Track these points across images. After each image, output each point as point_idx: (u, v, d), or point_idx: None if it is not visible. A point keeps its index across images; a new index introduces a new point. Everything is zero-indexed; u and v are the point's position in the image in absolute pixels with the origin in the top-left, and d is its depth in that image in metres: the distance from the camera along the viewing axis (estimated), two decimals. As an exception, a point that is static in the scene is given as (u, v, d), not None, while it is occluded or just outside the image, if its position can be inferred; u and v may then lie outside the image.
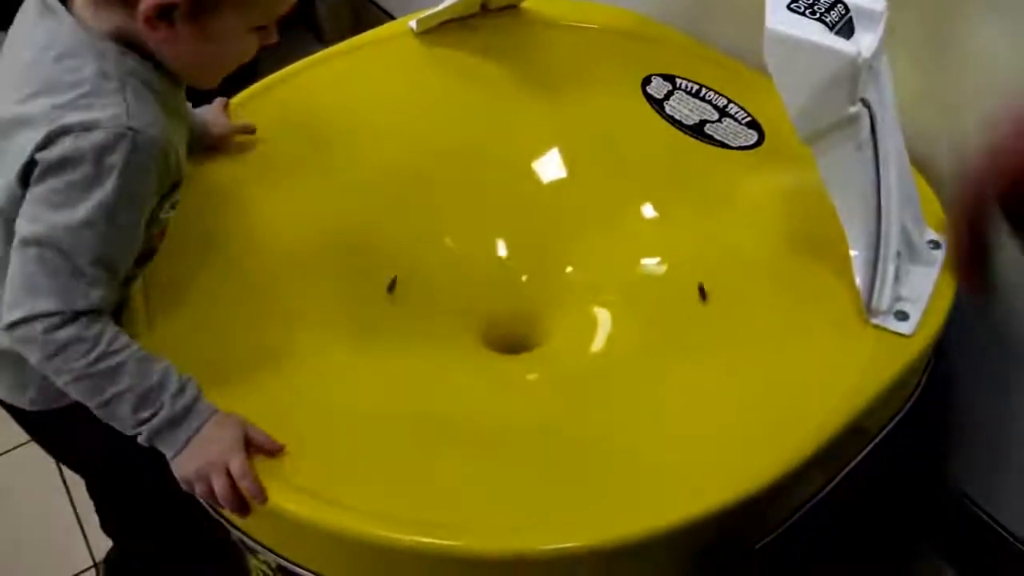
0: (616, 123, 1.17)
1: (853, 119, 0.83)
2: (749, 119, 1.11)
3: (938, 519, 1.25)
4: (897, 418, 0.92)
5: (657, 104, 1.16)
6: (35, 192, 0.74)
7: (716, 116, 1.13)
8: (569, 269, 1.16)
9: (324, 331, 0.96)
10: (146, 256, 0.87)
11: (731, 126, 1.12)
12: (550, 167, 1.19)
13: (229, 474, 0.75)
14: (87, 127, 0.73)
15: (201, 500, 0.79)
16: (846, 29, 0.83)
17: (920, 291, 0.89)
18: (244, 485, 0.75)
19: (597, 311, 1.08)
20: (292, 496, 0.76)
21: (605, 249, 1.13)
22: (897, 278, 0.87)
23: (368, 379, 0.91)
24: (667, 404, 0.85)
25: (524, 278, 1.18)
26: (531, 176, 1.19)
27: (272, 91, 1.19)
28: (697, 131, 1.13)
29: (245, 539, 0.85)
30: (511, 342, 1.12)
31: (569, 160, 1.18)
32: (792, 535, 0.84)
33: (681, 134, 1.13)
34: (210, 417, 0.77)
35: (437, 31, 1.23)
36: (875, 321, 0.87)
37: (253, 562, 0.98)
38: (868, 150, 0.85)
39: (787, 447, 0.77)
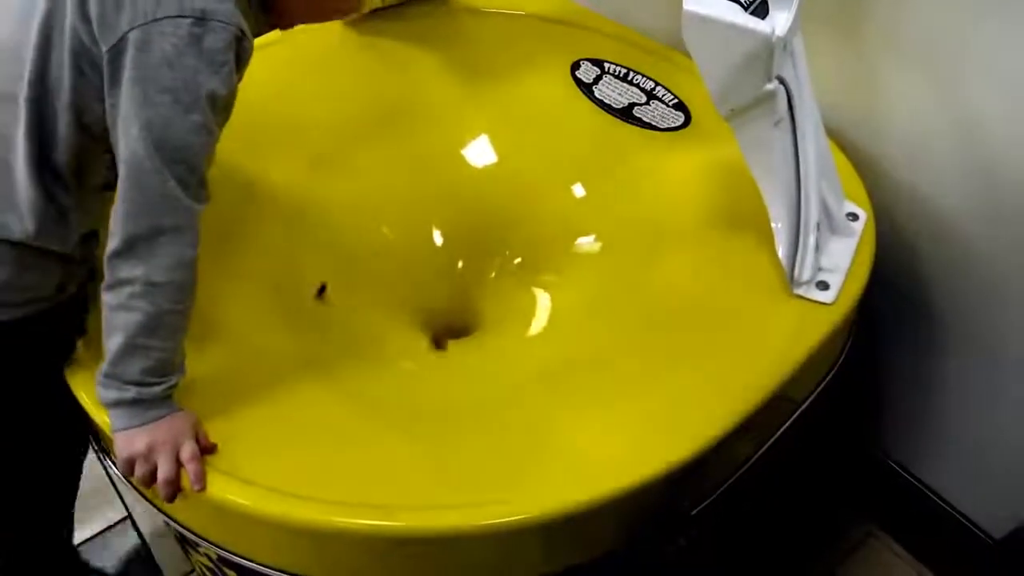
0: (546, 108, 1.19)
1: (770, 96, 0.85)
2: (676, 101, 1.14)
3: (867, 484, 1.29)
4: (822, 385, 0.95)
5: (586, 88, 1.18)
6: None
7: (644, 99, 1.15)
8: (507, 252, 1.17)
9: (262, 322, 0.96)
10: None
11: (659, 108, 1.14)
12: (482, 154, 1.20)
13: (177, 458, 0.76)
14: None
15: (133, 482, 0.79)
16: (761, 9, 0.85)
17: (840, 261, 0.93)
18: (191, 468, 0.76)
19: (534, 292, 1.10)
20: (234, 487, 0.76)
21: (539, 231, 1.14)
22: (818, 249, 0.90)
23: (307, 370, 0.91)
24: (600, 381, 0.87)
25: (460, 264, 1.19)
26: (464, 163, 1.20)
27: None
28: (626, 114, 1.15)
29: (186, 533, 0.85)
30: (450, 328, 1.14)
31: (500, 146, 1.19)
32: (726, 501, 0.87)
33: (610, 117, 1.15)
34: (178, 410, 0.79)
35: (365, 18, 1.23)
36: (797, 292, 0.90)
37: (195, 557, 0.98)
38: (786, 126, 0.88)
39: (715, 416, 0.79)
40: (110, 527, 1.35)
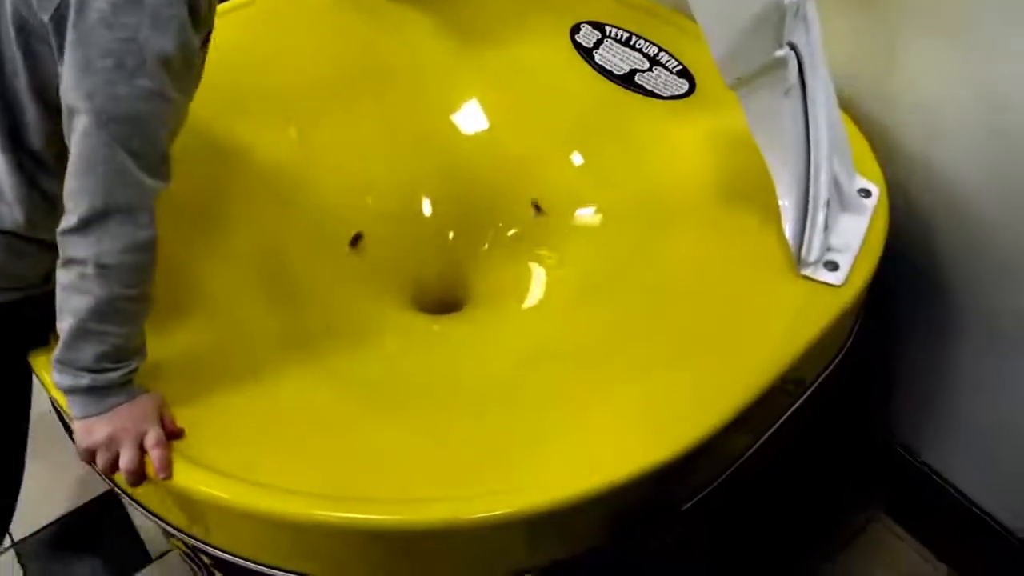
0: (544, 74, 1.13)
1: (780, 63, 0.80)
2: (680, 68, 1.08)
3: (872, 467, 1.25)
4: (828, 370, 0.90)
5: (586, 53, 1.12)
6: None
7: (647, 65, 1.09)
8: (500, 224, 1.12)
9: (240, 299, 0.91)
10: None
11: (662, 75, 1.08)
12: (475, 120, 1.15)
13: (141, 444, 0.72)
14: None
15: (98, 470, 0.75)
16: (772, -32, 0.79)
17: (850, 240, 0.87)
18: (156, 454, 0.71)
19: (529, 267, 1.05)
20: (202, 476, 0.71)
21: (533, 202, 1.09)
22: (827, 227, 0.85)
23: (287, 349, 0.87)
24: (598, 363, 0.82)
25: (451, 235, 1.14)
26: (456, 129, 1.14)
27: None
28: (627, 81, 1.09)
29: (161, 523, 0.81)
30: (441, 302, 1.09)
31: (495, 112, 1.14)
32: (721, 494, 0.82)
33: (611, 84, 1.09)
34: (140, 394, 0.74)
35: (357, -22, 1.17)
36: (805, 272, 0.85)
37: (172, 540, 0.94)
38: (796, 96, 0.82)
39: (708, 411, 0.74)
40: (93, 499, 1.32)
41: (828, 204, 0.85)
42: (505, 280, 1.03)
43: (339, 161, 1.09)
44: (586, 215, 1.03)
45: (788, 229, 0.85)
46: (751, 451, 0.84)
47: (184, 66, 0.70)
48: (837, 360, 0.91)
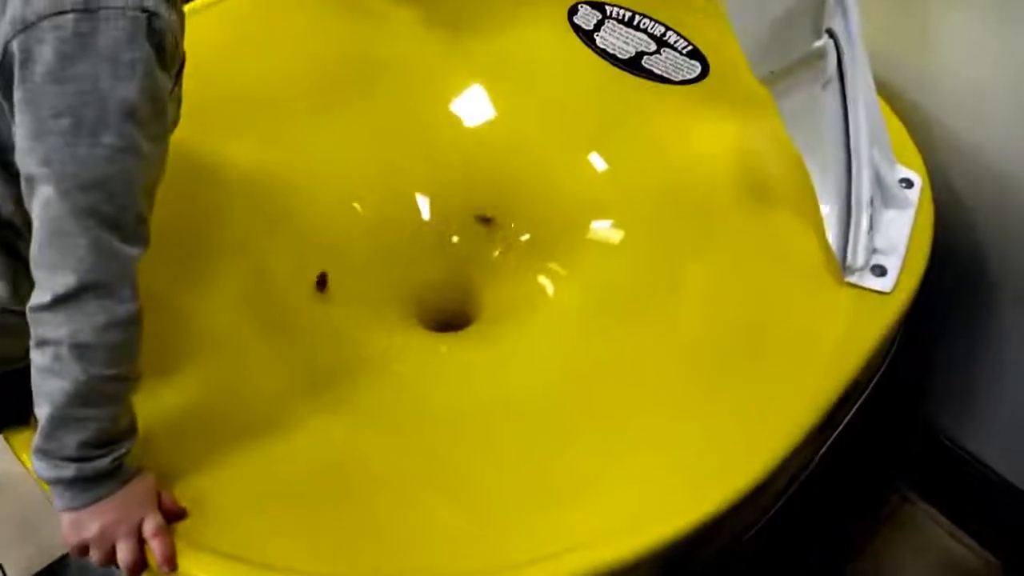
0: (541, 59, 1.04)
1: (819, 54, 0.72)
2: (690, 48, 0.99)
3: (911, 452, 1.20)
4: (878, 374, 0.84)
5: (586, 36, 1.03)
6: None
7: (653, 47, 1.01)
8: (512, 225, 1.04)
9: (232, 339, 0.83)
10: None
11: (671, 57, 1.00)
12: (472, 111, 1.05)
13: (139, 534, 0.64)
14: None
15: (93, 565, 0.67)
16: (807, -52, 0.71)
17: (896, 239, 0.80)
18: (156, 545, 0.64)
19: (541, 276, 0.97)
20: (210, 563, 0.64)
21: (545, 204, 1.01)
22: (871, 228, 0.78)
23: (291, 395, 0.79)
24: (632, 394, 0.76)
25: (455, 240, 1.06)
26: (450, 123, 1.05)
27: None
28: (634, 65, 1.00)
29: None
30: (448, 316, 1.01)
31: (490, 105, 1.05)
32: (755, 538, 0.76)
33: (616, 69, 1.01)
34: (132, 477, 0.66)
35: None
36: (850, 280, 0.78)
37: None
38: (835, 88, 0.74)
39: (766, 444, 0.68)
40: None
41: (872, 203, 0.78)
42: (519, 294, 0.95)
43: (328, 167, 0.99)
44: (602, 224, 0.95)
45: (831, 235, 0.77)
46: (802, 476, 0.78)
47: (154, 113, 0.61)
48: (885, 363, 0.85)
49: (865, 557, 1.20)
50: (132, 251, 0.60)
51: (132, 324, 0.61)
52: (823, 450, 0.83)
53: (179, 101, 0.69)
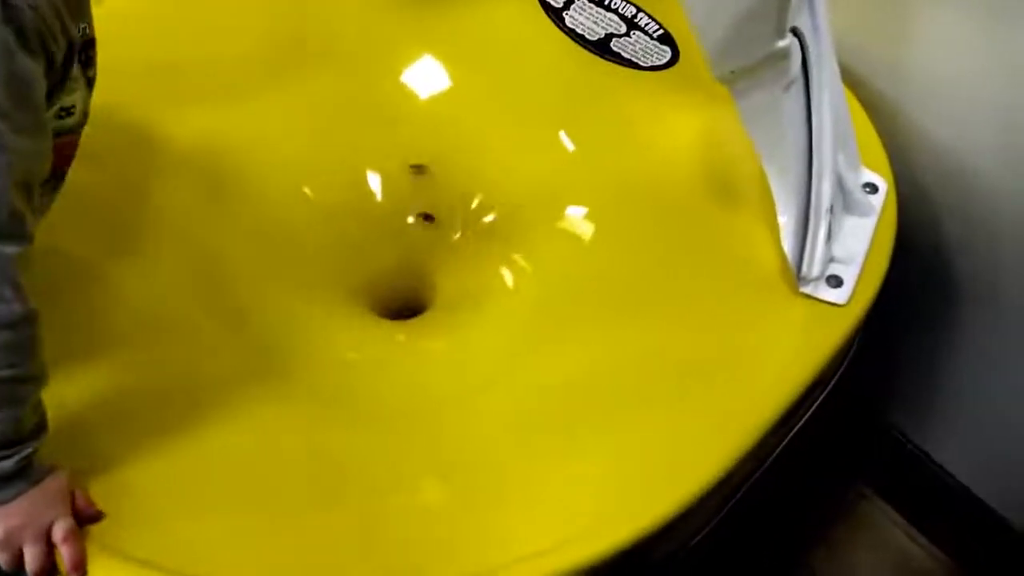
0: (506, 37, 1.00)
1: (782, 54, 0.68)
2: (661, 32, 0.95)
3: (871, 451, 1.19)
4: (832, 383, 0.82)
5: (555, 15, 0.99)
6: None
7: (623, 29, 0.96)
8: (475, 202, 1.00)
9: (166, 328, 0.80)
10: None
11: (641, 41, 0.96)
12: (427, 81, 1.01)
13: (48, 538, 0.62)
14: None
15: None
16: (773, -59, 0.67)
17: (855, 249, 0.78)
18: (65, 551, 0.61)
19: (500, 273, 0.94)
20: (125, 570, 0.61)
21: (505, 183, 0.97)
22: (829, 237, 0.75)
23: (232, 382, 0.76)
24: (585, 400, 0.73)
25: (410, 219, 1.02)
26: (405, 97, 1.00)
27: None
28: (602, 47, 0.96)
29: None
30: (400, 304, 0.98)
31: (451, 77, 1.00)
32: (699, 546, 0.75)
33: (584, 51, 0.97)
34: (44, 476, 0.63)
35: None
36: (805, 290, 0.75)
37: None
38: (799, 90, 0.71)
39: (711, 456, 0.66)
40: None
41: (831, 211, 0.75)
42: (477, 283, 0.92)
43: (274, 144, 0.95)
44: (567, 215, 0.91)
45: (786, 243, 0.74)
46: (754, 478, 0.76)
47: (20, 102, 0.56)
48: (844, 366, 0.83)
49: (821, 553, 1.20)
50: (7, 249, 0.57)
51: (21, 324, 0.58)
52: (776, 453, 0.82)
53: (89, 87, 0.65)
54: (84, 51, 0.64)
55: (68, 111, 0.64)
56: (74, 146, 0.68)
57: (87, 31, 0.64)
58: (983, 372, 1.00)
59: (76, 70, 0.63)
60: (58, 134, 0.63)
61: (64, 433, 0.66)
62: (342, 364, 0.87)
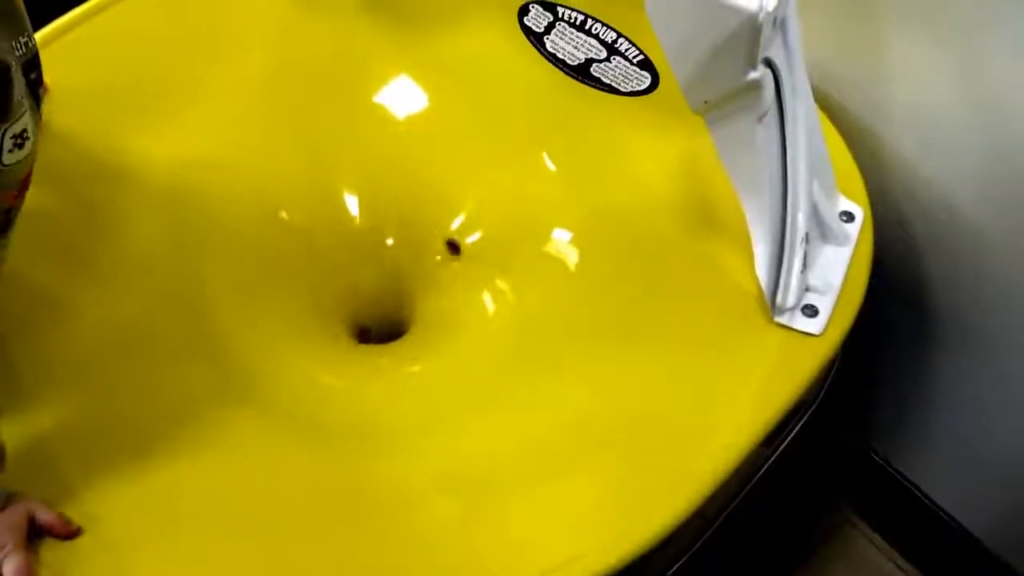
0: (487, 61, 1.00)
1: (755, 85, 0.68)
2: (641, 58, 0.95)
3: (850, 475, 1.19)
4: (808, 413, 0.82)
5: (536, 39, 0.99)
6: None
7: (604, 54, 0.96)
8: (456, 223, 0.99)
9: (137, 351, 0.80)
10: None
11: (621, 66, 0.96)
12: (407, 101, 1.00)
13: None
14: None
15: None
16: (746, -27, 0.67)
17: (832, 277, 0.77)
18: None
19: (481, 298, 0.93)
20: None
21: (485, 206, 0.97)
22: (805, 267, 0.75)
23: (200, 412, 0.76)
24: (556, 432, 0.73)
25: (390, 241, 1.02)
26: (384, 118, 1.00)
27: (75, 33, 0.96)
28: (582, 72, 0.96)
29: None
30: (380, 327, 0.98)
31: (430, 99, 1.00)
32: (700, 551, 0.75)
33: (564, 76, 0.97)
34: (3, 506, 0.62)
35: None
36: (779, 320, 0.75)
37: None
38: (772, 121, 0.71)
39: (688, 483, 0.66)
40: None
41: (807, 240, 0.75)
42: (457, 306, 0.92)
43: (250, 167, 0.95)
44: (549, 238, 0.90)
45: (761, 272, 0.74)
46: (732, 506, 0.76)
47: None
48: (819, 399, 0.83)
49: (801, 574, 1.20)
50: None
51: None
52: (756, 480, 0.82)
53: (38, 108, 0.61)
54: (29, 71, 0.59)
55: (21, 137, 0.58)
56: (28, 180, 0.63)
57: (29, 45, 0.59)
58: (965, 400, 1.00)
59: (20, 91, 0.57)
60: (13, 165, 0.58)
61: (28, 462, 0.65)
62: (319, 388, 0.87)
